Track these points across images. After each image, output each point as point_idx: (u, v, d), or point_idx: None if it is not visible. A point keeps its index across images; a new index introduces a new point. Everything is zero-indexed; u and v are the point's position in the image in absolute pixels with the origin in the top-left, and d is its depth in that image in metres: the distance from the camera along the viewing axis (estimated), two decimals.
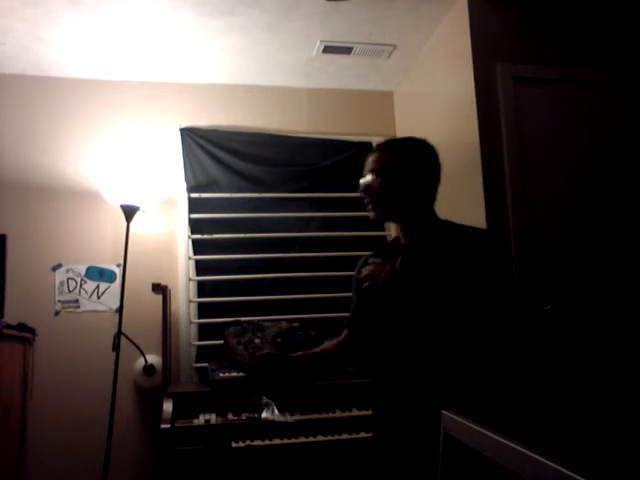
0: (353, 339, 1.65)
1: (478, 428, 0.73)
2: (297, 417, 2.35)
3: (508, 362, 1.44)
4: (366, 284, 1.45)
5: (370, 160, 1.55)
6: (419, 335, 1.44)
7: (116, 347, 2.69)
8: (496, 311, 1.41)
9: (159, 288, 2.74)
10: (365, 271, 1.48)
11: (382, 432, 1.54)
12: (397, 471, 1.44)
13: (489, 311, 1.40)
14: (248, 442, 2.22)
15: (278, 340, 2.65)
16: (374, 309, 1.55)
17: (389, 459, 1.49)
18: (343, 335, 1.68)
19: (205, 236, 3.11)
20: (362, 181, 1.55)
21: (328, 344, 1.67)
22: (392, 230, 3.29)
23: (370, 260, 1.52)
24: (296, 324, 2.80)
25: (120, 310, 2.78)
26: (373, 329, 1.57)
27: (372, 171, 1.52)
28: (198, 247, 3.11)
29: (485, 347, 1.40)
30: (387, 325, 1.52)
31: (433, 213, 1.55)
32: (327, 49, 3.00)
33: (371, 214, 1.55)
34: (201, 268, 3.11)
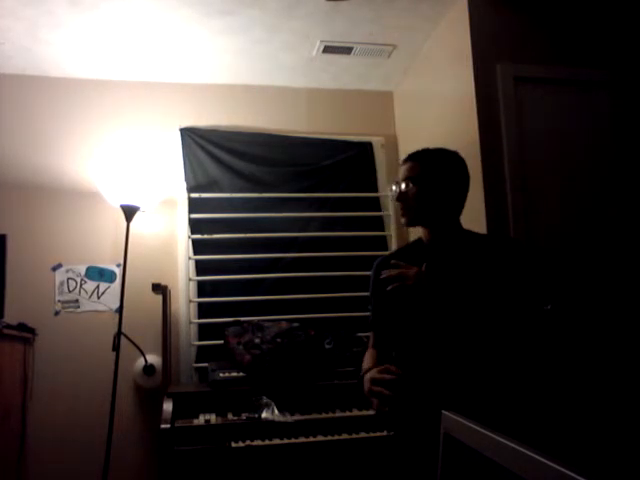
0: (382, 348, 1.70)
1: (478, 428, 0.73)
2: (297, 417, 2.35)
3: (527, 363, 1.49)
4: (394, 285, 1.52)
5: (403, 169, 1.63)
6: (449, 335, 1.50)
7: (116, 347, 2.69)
8: (523, 315, 1.49)
9: (159, 288, 2.74)
10: (389, 273, 1.54)
11: (405, 429, 1.58)
12: (419, 471, 1.46)
13: (516, 314, 1.48)
14: (248, 442, 2.22)
15: (278, 340, 2.65)
16: (402, 310, 1.61)
17: (411, 459, 1.51)
18: (372, 349, 1.73)
19: (205, 236, 3.11)
20: (395, 188, 1.63)
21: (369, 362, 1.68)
22: (392, 230, 3.29)
23: (392, 261, 1.59)
24: (296, 324, 2.81)
25: (120, 310, 2.78)
26: (401, 329, 1.63)
27: (406, 179, 1.60)
28: (198, 247, 3.11)
29: (510, 348, 1.46)
30: (416, 325, 1.58)
31: (458, 222, 1.65)
32: (327, 49, 3.00)
33: (403, 220, 1.64)
34: (201, 268, 3.11)
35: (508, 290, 1.48)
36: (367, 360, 1.68)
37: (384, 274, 1.56)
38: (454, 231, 1.62)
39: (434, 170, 1.58)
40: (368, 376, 1.50)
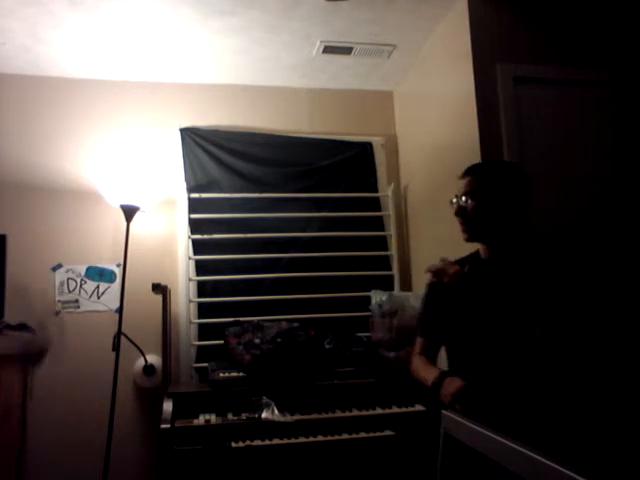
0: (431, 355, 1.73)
1: (478, 428, 0.73)
2: (297, 417, 2.34)
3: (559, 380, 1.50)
4: (433, 279, 1.56)
5: (462, 183, 1.63)
6: (477, 340, 1.52)
7: (116, 347, 2.69)
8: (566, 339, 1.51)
9: (159, 288, 2.74)
10: (430, 267, 1.58)
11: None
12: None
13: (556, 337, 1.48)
14: (248, 442, 2.22)
15: (278, 340, 2.65)
16: (436, 305, 1.66)
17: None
18: (421, 355, 1.75)
19: (205, 236, 3.11)
20: (455, 202, 1.63)
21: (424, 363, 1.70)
22: (392, 230, 3.29)
23: (441, 258, 1.62)
24: (296, 324, 2.81)
25: (120, 310, 2.78)
26: (434, 325, 1.69)
27: (465, 194, 1.61)
28: (198, 247, 3.11)
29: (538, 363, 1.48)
30: (446, 324, 1.62)
31: (519, 235, 1.63)
32: (327, 49, 3.00)
33: (464, 235, 1.64)
34: (201, 268, 3.11)
35: (553, 304, 1.49)
36: (423, 366, 1.67)
37: (427, 268, 1.59)
38: (512, 247, 1.61)
39: (492, 184, 1.58)
40: (449, 391, 1.45)
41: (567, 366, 1.49)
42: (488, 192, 1.57)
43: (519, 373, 1.46)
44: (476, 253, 1.71)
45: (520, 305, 1.47)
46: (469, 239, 1.64)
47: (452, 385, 1.43)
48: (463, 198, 1.60)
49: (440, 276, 1.54)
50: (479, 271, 1.59)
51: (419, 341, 1.78)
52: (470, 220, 1.60)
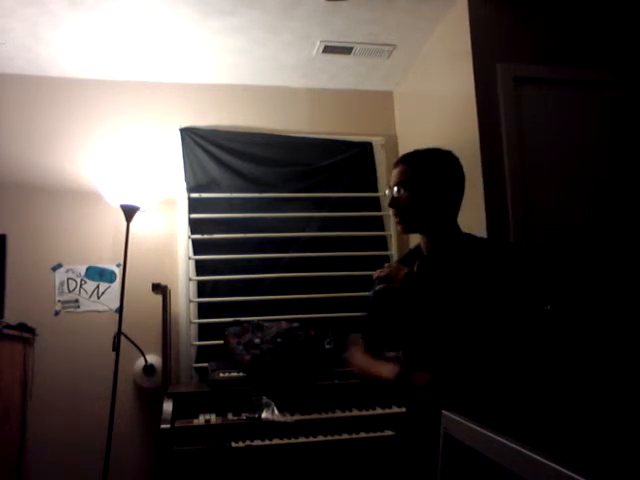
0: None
1: (478, 428, 0.73)
2: (297, 417, 2.35)
3: (515, 365, 1.45)
4: (381, 286, 1.46)
5: (395, 172, 1.56)
6: (433, 338, 1.46)
7: (116, 347, 2.69)
8: (522, 315, 1.42)
9: (159, 288, 2.74)
10: (379, 273, 1.49)
11: (407, 430, 1.56)
12: (420, 471, 1.45)
13: (514, 316, 1.40)
14: (248, 442, 2.22)
15: (278, 340, 2.65)
16: (388, 312, 1.56)
17: (415, 459, 1.50)
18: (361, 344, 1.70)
19: (205, 236, 3.11)
20: (387, 193, 1.56)
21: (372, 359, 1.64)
22: (392, 230, 3.29)
23: (386, 264, 1.55)
24: (296, 324, 2.81)
25: (120, 310, 2.78)
26: (387, 332, 1.60)
27: (397, 184, 1.53)
28: (198, 247, 3.11)
29: (495, 351, 1.41)
30: (402, 328, 1.54)
31: (456, 225, 1.57)
32: (327, 49, 3.00)
33: (399, 227, 1.58)
34: (201, 268, 3.11)
35: (505, 293, 1.41)
36: (373, 362, 1.61)
37: (375, 274, 1.51)
38: (452, 236, 1.54)
39: (425, 173, 1.50)
40: (421, 383, 1.43)
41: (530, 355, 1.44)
42: (421, 182, 1.49)
43: (481, 366, 1.41)
44: (417, 248, 1.63)
45: (469, 297, 1.41)
46: (404, 231, 1.57)
47: (423, 377, 1.41)
48: (395, 188, 1.52)
49: (390, 281, 1.45)
50: (425, 271, 1.50)
51: (361, 342, 1.70)
52: (404, 212, 1.52)
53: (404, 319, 1.55)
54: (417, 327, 1.53)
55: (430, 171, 1.51)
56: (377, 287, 1.48)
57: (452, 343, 1.44)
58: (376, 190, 3.39)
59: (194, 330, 3.04)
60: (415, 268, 1.48)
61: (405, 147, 3.41)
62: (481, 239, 1.61)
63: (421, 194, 1.50)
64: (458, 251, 1.51)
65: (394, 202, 1.53)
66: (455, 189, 1.54)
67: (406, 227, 1.56)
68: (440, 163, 1.54)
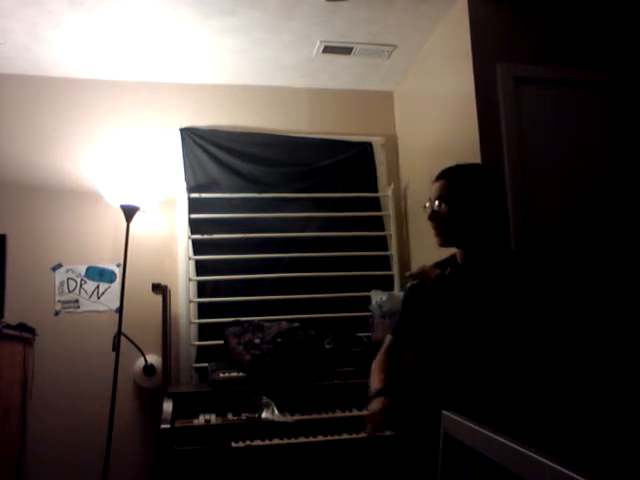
0: (396, 352, 1.72)
1: (478, 428, 0.73)
2: (297, 417, 2.35)
3: (523, 367, 1.48)
4: (414, 282, 1.54)
5: (435, 187, 1.59)
6: (451, 339, 1.50)
7: (116, 347, 2.69)
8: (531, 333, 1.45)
9: (159, 288, 2.74)
10: (412, 271, 1.58)
11: (409, 430, 1.60)
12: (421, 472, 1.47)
13: (523, 332, 1.44)
14: (248, 442, 2.22)
15: (278, 340, 2.65)
16: (417, 307, 1.63)
17: (415, 460, 1.53)
18: (383, 355, 1.73)
19: (205, 236, 3.11)
20: (428, 206, 1.59)
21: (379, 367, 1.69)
22: (392, 230, 3.29)
23: (422, 264, 1.63)
24: (296, 324, 2.81)
25: (120, 310, 2.78)
26: (412, 325, 1.66)
27: (438, 198, 1.56)
28: (198, 247, 3.11)
29: (505, 356, 1.45)
30: (425, 323, 1.60)
31: (495, 240, 1.58)
32: (327, 49, 3.00)
33: (438, 240, 1.59)
34: (201, 268, 3.11)
35: (527, 308, 1.45)
36: (377, 370, 1.66)
37: (408, 273, 1.60)
38: (488, 251, 1.56)
39: (465, 188, 1.53)
40: (374, 407, 1.49)
41: (549, 368, 1.48)
42: (462, 196, 1.52)
43: (489, 376, 1.44)
44: (453, 257, 1.66)
45: (494, 311, 1.45)
46: (443, 244, 1.59)
47: (376, 404, 1.49)
48: (436, 202, 1.55)
49: (423, 279, 1.53)
50: (456, 275, 1.56)
51: (388, 338, 1.76)
52: (444, 225, 1.56)
53: (429, 316, 1.60)
54: (439, 325, 1.56)
55: (470, 186, 1.54)
56: (409, 283, 1.58)
57: (467, 346, 1.47)
58: (376, 190, 3.39)
59: (194, 330, 3.04)
60: (447, 272, 1.53)
61: (405, 147, 3.41)
62: (516, 253, 1.67)
63: (461, 209, 1.53)
64: (490, 263, 1.54)
65: (434, 216, 1.57)
66: (495, 204, 1.56)
67: (444, 241, 1.59)
68: (480, 178, 1.57)
